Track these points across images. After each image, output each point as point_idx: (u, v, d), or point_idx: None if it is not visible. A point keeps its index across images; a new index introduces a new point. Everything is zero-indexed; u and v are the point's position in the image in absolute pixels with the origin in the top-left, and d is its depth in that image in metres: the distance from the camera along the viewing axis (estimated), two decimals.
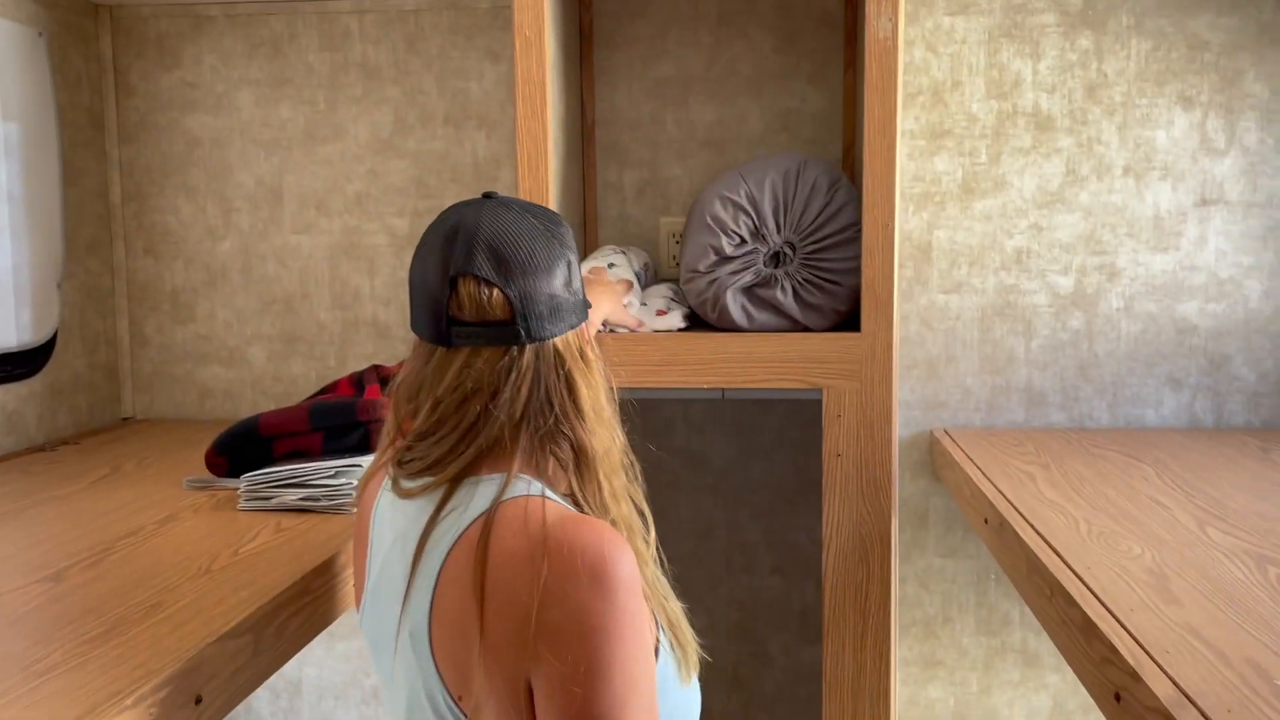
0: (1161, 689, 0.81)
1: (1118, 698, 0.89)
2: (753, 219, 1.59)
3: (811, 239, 1.57)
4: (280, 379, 2.17)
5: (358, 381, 1.70)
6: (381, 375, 1.73)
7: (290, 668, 2.22)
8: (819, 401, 1.54)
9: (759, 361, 1.55)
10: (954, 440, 1.86)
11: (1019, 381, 1.97)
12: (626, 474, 0.95)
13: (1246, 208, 1.88)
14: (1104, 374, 1.94)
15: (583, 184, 2.00)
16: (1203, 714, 0.77)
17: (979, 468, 1.63)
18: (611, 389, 0.97)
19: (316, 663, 2.21)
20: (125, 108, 2.15)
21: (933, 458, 1.97)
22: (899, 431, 1.94)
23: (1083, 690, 1.98)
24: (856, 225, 1.55)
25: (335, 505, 1.38)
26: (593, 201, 2.02)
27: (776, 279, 1.59)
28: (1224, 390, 1.92)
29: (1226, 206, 1.89)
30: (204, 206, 2.15)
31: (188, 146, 2.14)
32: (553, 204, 1.58)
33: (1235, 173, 1.88)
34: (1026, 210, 1.94)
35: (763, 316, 1.60)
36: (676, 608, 0.93)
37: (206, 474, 1.55)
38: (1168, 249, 1.91)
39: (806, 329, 1.59)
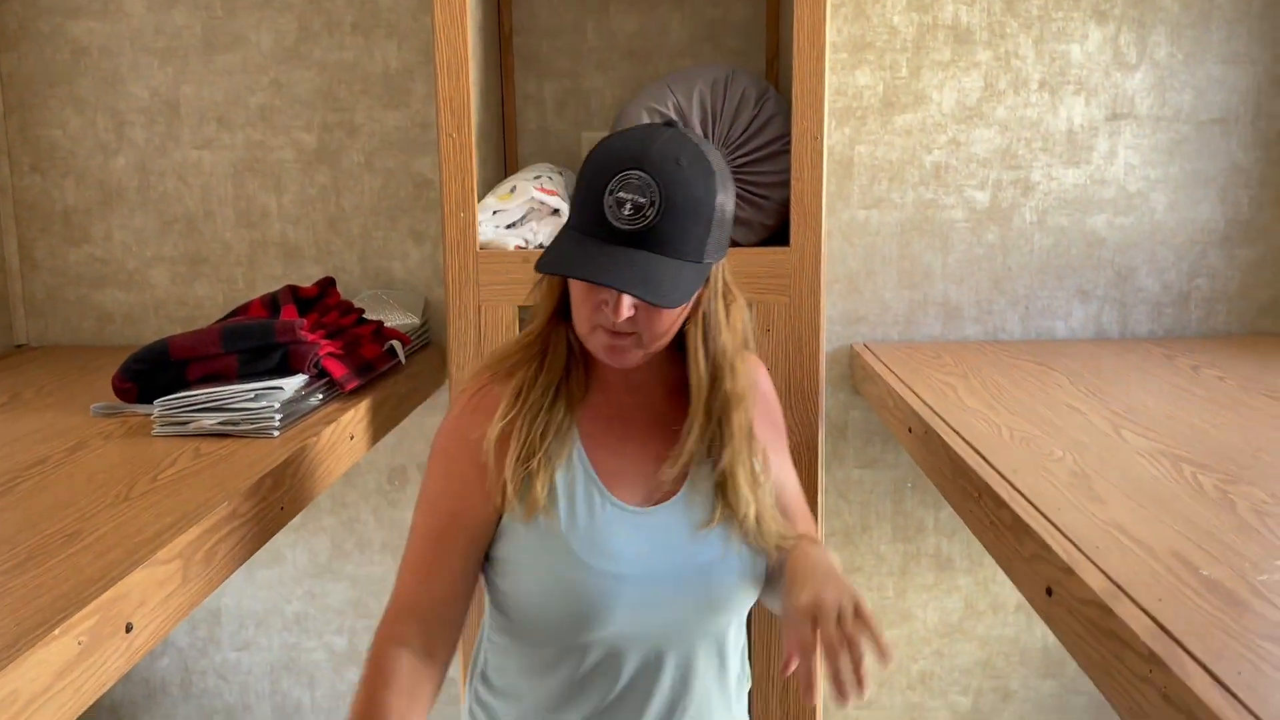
0: (1095, 581, 0.84)
1: (1049, 592, 0.92)
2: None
3: (740, 152, 1.55)
4: (185, 303, 2.08)
5: (271, 303, 1.63)
6: (299, 296, 1.67)
7: (208, 597, 2.17)
8: None
9: None
10: (874, 354, 1.89)
11: (936, 296, 2.00)
12: None
13: (1155, 122, 1.93)
14: (1017, 287, 1.99)
15: (501, 96, 1.93)
16: (1135, 603, 0.80)
17: (901, 379, 1.66)
18: None
19: (235, 591, 2.16)
20: (3, 13, 1.99)
21: (853, 371, 2.00)
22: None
23: (991, 590, 2.08)
24: (785, 138, 1.54)
25: (256, 429, 1.33)
26: (511, 115, 1.96)
27: None
28: (1129, 301, 1.98)
29: (1136, 121, 1.93)
30: (94, 120, 2.02)
31: (74, 55, 2.00)
32: (472, 117, 1.53)
33: (1145, 87, 1.92)
34: (945, 125, 1.95)
35: None
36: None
37: (114, 400, 1.48)
38: (1080, 163, 1.95)
39: (735, 244, 1.58)
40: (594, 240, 0.96)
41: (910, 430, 1.50)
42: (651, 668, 1.05)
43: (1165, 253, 1.96)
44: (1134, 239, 1.96)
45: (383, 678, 1.02)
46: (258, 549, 1.15)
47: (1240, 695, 0.65)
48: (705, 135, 1.56)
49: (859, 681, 0.91)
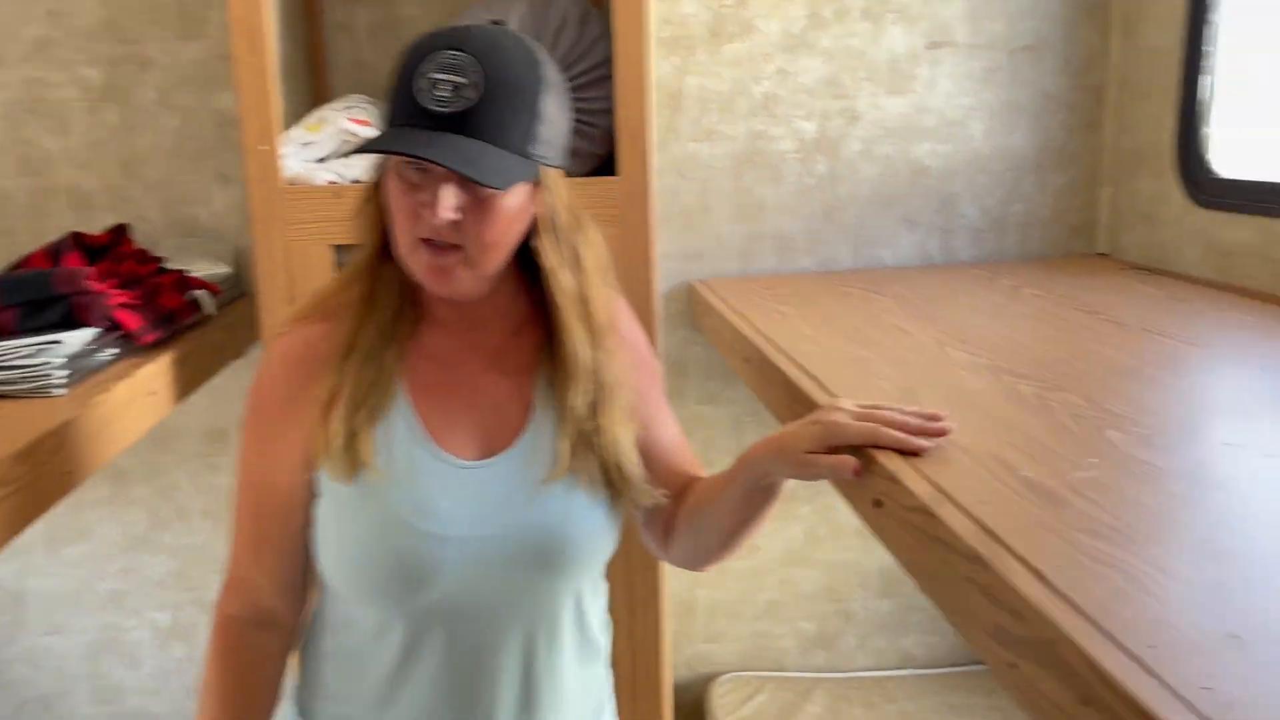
0: (920, 488, 0.84)
1: (878, 503, 0.92)
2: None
3: (564, 77, 1.49)
4: None
5: (53, 252, 1.48)
6: (86, 244, 1.52)
7: (10, 579, 2.00)
8: None
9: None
10: (712, 289, 1.88)
11: (770, 228, 2.00)
12: None
13: (971, 50, 1.97)
14: (847, 217, 2.01)
15: (308, 25, 1.80)
16: (959, 506, 0.80)
17: (738, 312, 1.65)
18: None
19: (39, 572, 1.99)
20: None
21: (691, 307, 1.98)
22: (659, 284, 1.94)
23: (831, 518, 2.12)
24: (610, 62, 1.48)
25: (36, 388, 1.20)
26: (320, 46, 1.84)
27: None
28: (952, 228, 2.03)
29: (953, 49, 1.96)
30: None
31: None
32: (270, 42, 1.41)
33: (961, 15, 1.95)
34: (773, 55, 1.94)
35: None
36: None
37: None
38: (902, 92, 1.97)
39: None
40: (407, 130, 0.86)
41: (747, 360, 1.49)
42: (495, 636, 0.96)
43: (984, 180, 2.01)
44: (955, 167, 2.00)
45: (230, 658, 0.99)
46: (36, 517, 1.04)
47: (1059, 586, 0.65)
48: None
49: (927, 430, 0.89)
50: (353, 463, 0.91)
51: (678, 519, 1.06)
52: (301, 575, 1.00)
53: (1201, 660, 0.57)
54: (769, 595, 2.14)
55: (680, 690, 2.12)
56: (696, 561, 1.10)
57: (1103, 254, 2.02)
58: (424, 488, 0.93)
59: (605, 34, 1.51)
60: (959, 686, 2.06)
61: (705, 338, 1.93)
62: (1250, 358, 1.25)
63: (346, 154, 0.88)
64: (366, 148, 0.89)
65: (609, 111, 1.48)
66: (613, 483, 0.97)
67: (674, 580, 2.07)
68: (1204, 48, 1.71)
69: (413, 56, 0.88)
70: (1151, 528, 0.75)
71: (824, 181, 1.99)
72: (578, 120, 1.50)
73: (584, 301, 0.96)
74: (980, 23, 1.96)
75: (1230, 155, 1.72)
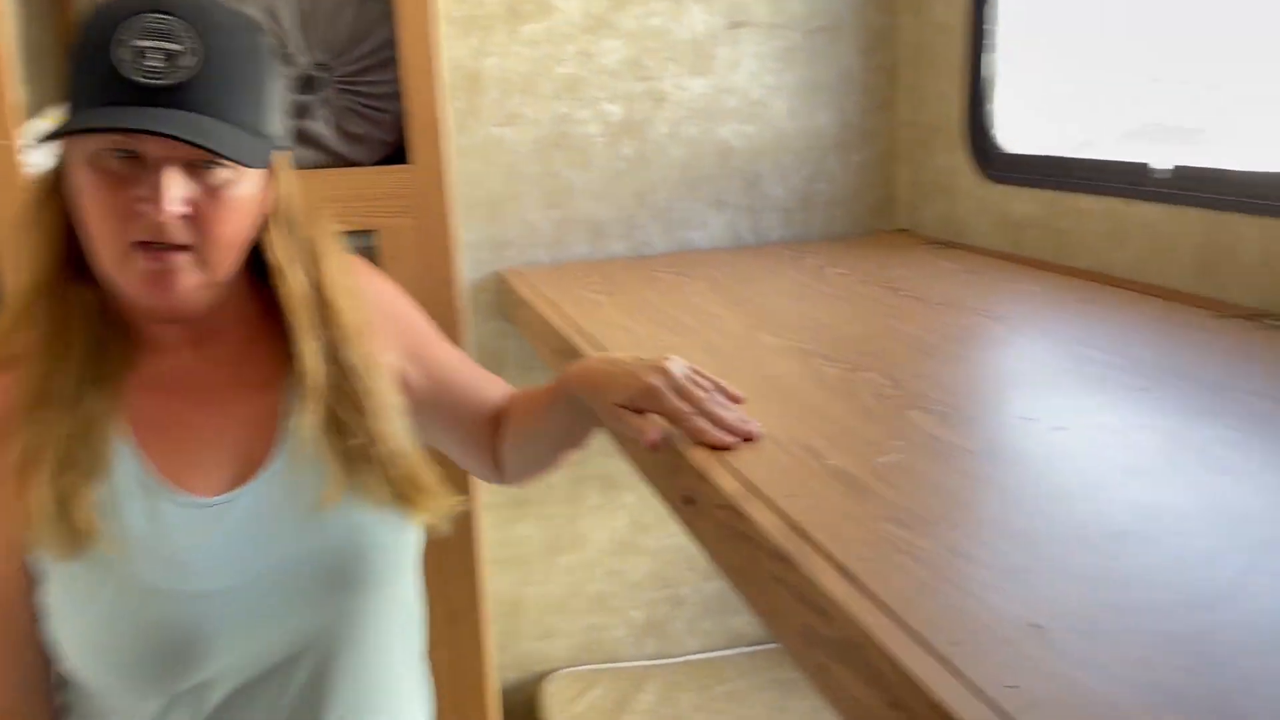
0: (728, 484, 0.81)
1: (689, 500, 0.89)
2: (272, 37, 1.38)
3: (345, 59, 1.40)
4: None
5: None
6: None
7: None
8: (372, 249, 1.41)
9: None
10: (523, 278, 1.81)
11: (581, 214, 1.95)
12: None
13: (770, 29, 1.97)
14: (657, 200, 1.99)
15: (58, 5, 1.62)
16: (767, 501, 0.77)
17: (549, 301, 1.60)
18: None
19: None
20: None
21: (502, 298, 1.92)
22: (467, 274, 1.86)
23: (656, 504, 2.10)
24: (395, 43, 1.39)
25: None
26: (71, 28, 1.66)
27: (311, 108, 1.40)
28: (760, 208, 2.04)
29: (754, 29, 1.96)
30: None
31: None
32: (12, 29, 1.25)
33: None
34: (574, 35, 1.89)
35: (298, 152, 1.41)
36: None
37: None
38: (705, 73, 1.96)
39: (353, 163, 1.43)
40: (109, 109, 0.71)
41: (557, 352, 1.44)
42: (284, 684, 0.83)
43: (789, 159, 2.03)
44: (760, 147, 2.01)
45: None
46: None
47: (865, 582, 0.64)
48: (303, 42, 1.38)
49: (737, 431, 0.86)
50: (73, 534, 0.75)
51: (503, 448, 1.02)
52: (44, 671, 0.83)
53: (1006, 654, 0.55)
54: (598, 587, 2.11)
55: (512, 691, 2.06)
56: (534, 474, 1.08)
57: (903, 230, 2.08)
58: (169, 542, 0.79)
59: (389, 12, 1.42)
60: (786, 661, 2.09)
61: (518, 329, 1.87)
62: (1040, 329, 1.29)
63: (40, 141, 0.73)
64: (64, 130, 0.73)
65: (398, 96, 1.40)
66: (404, 495, 0.87)
67: (498, 580, 2.01)
68: (985, 25, 1.76)
69: (104, 22, 0.73)
70: (952, 511, 0.74)
71: (633, 165, 1.96)
72: (365, 105, 1.41)
73: (324, 304, 0.85)
74: (779, 2, 1.96)
75: (1017, 130, 1.79)
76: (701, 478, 0.84)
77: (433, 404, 1.00)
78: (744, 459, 0.86)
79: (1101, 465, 0.81)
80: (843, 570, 0.66)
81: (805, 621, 0.67)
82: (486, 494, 1.99)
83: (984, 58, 1.79)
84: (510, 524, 2.03)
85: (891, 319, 1.36)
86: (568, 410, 0.95)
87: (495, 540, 2.02)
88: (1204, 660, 0.54)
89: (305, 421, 0.83)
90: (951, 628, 0.58)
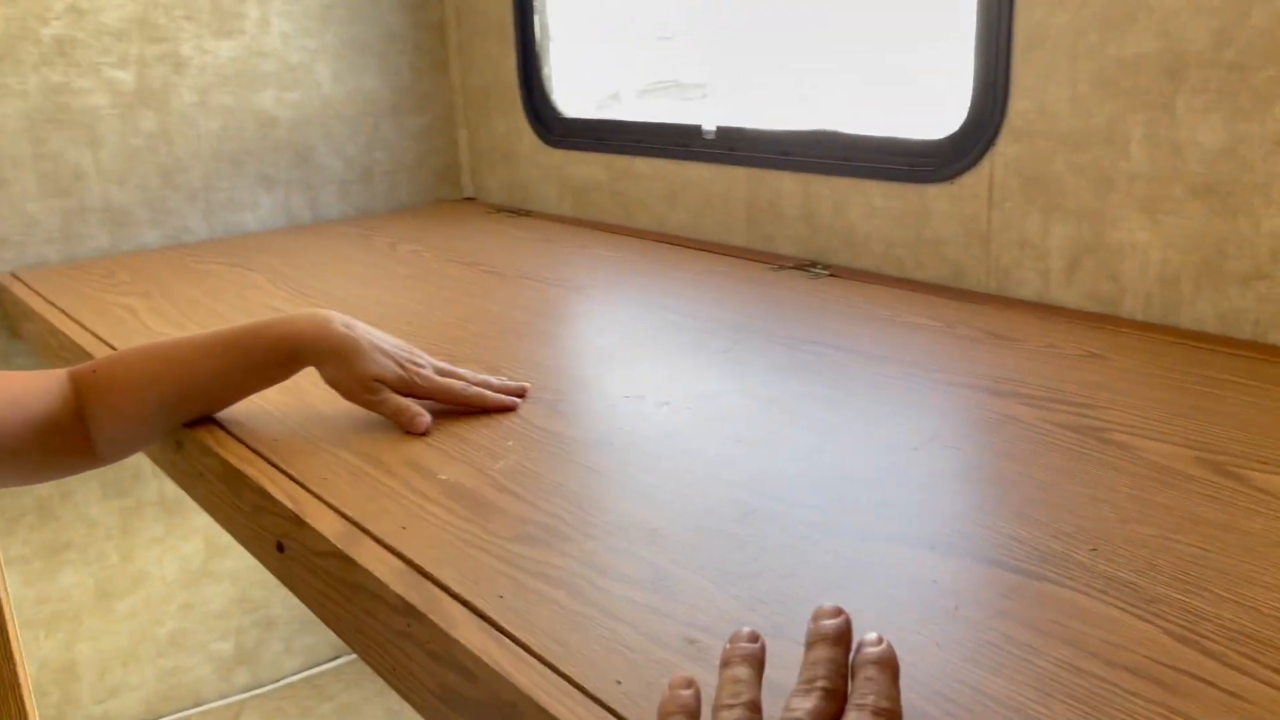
0: (329, 525, 0.70)
1: (281, 548, 0.76)
2: None
3: None
4: None
5: None
6: None
7: None
8: None
9: None
10: (28, 284, 1.50)
11: (95, 201, 1.65)
12: None
13: None
14: (192, 180, 1.74)
15: None
16: (378, 540, 0.67)
17: (65, 312, 1.33)
18: None
19: None
20: None
21: (5, 309, 1.58)
22: None
23: None
24: None
25: None
26: None
27: None
28: (315, 183, 1.87)
29: None
30: None
31: None
32: None
33: None
34: None
35: None
36: None
37: None
38: (232, 34, 1.73)
39: None
40: None
41: None
42: None
43: (340, 127, 1.87)
44: (306, 115, 1.83)
45: None
46: None
47: (508, 628, 0.56)
48: None
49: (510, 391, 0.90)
50: None
51: (105, 427, 0.83)
52: None
53: (666, 683, 0.51)
54: (171, 625, 1.85)
55: None
56: (151, 442, 0.92)
57: (470, 198, 2.02)
58: None
59: None
60: None
61: (30, 346, 1.55)
62: (621, 296, 1.29)
63: None
64: None
65: None
66: None
67: (43, 644, 1.69)
68: None
69: None
70: (583, 518, 0.69)
71: (155, 140, 1.69)
72: None
73: None
74: None
75: (574, 93, 1.79)
76: (297, 521, 0.72)
77: None
78: (342, 490, 0.74)
79: (713, 439, 0.81)
80: (481, 615, 0.58)
81: (444, 682, 0.58)
82: (14, 544, 1.65)
83: (533, 19, 1.76)
84: (47, 576, 1.71)
85: (475, 298, 1.29)
86: (261, 372, 0.87)
87: (30, 598, 1.69)
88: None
89: None
90: (610, 664, 0.53)
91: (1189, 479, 0.69)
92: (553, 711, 0.49)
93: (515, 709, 0.52)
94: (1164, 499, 0.67)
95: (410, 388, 0.86)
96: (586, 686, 0.51)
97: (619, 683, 0.51)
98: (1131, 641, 0.52)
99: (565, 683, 0.52)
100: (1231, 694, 0.47)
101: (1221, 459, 0.72)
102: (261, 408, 0.92)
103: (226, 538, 1.86)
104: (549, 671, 0.52)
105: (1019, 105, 1.11)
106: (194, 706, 1.87)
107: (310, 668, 1.99)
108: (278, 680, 1.95)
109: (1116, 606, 0.55)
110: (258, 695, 1.91)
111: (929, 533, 0.64)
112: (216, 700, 1.90)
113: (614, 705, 0.50)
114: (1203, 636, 0.52)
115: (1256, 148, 0.94)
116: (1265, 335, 0.97)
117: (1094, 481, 0.70)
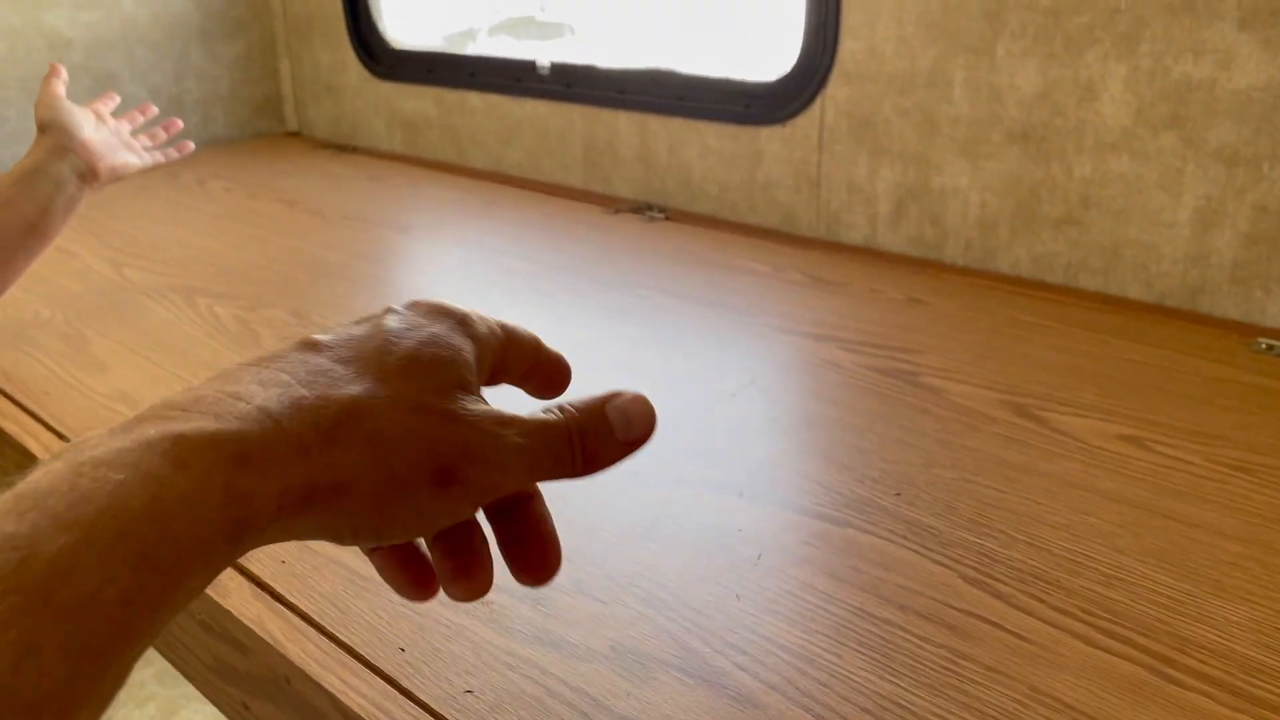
0: None
1: None
2: None
3: None
4: None
5: None
6: None
7: None
8: None
9: None
10: None
11: None
12: None
13: None
14: None
15: None
16: None
17: None
18: None
19: None
20: None
21: None
22: None
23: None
24: None
25: None
26: None
27: None
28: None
29: None
30: None
31: None
32: None
33: None
34: None
35: None
36: None
37: None
38: None
39: None
40: None
41: None
42: None
43: (145, 53, 1.72)
44: (106, 38, 1.67)
45: None
46: None
47: (287, 595, 0.52)
48: None
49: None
50: None
51: None
52: None
53: (455, 648, 0.48)
54: None
55: None
56: None
57: (293, 132, 1.90)
58: None
59: None
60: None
61: None
62: (453, 237, 1.23)
63: None
64: None
65: None
66: None
67: None
68: None
69: None
70: None
71: None
72: None
73: None
74: None
75: (406, 23, 1.69)
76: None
77: None
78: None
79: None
80: (258, 583, 0.53)
81: (217, 655, 0.53)
82: None
83: None
84: None
85: (290, 238, 1.21)
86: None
87: None
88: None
89: None
90: (394, 630, 0.49)
91: (993, 421, 0.70)
92: (323, 683, 0.46)
93: (288, 682, 0.48)
94: (968, 441, 0.67)
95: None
96: (366, 655, 0.48)
97: (403, 650, 0.48)
98: (927, 586, 0.52)
99: (343, 652, 0.48)
100: (1016, 635, 0.48)
101: (1024, 401, 0.73)
102: (36, 342, 0.84)
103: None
104: (326, 641, 0.49)
105: (849, 46, 1.10)
106: None
107: None
108: None
109: (915, 551, 0.55)
110: None
111: (738, 480, 0.63)
112: None
113: (393, 674, 0.46)
114: (994, 579, 0.52)
115: (1069, 94, 0.95)
116: (1075, 279, 0.99)
117: (904, 425, 0.70)
